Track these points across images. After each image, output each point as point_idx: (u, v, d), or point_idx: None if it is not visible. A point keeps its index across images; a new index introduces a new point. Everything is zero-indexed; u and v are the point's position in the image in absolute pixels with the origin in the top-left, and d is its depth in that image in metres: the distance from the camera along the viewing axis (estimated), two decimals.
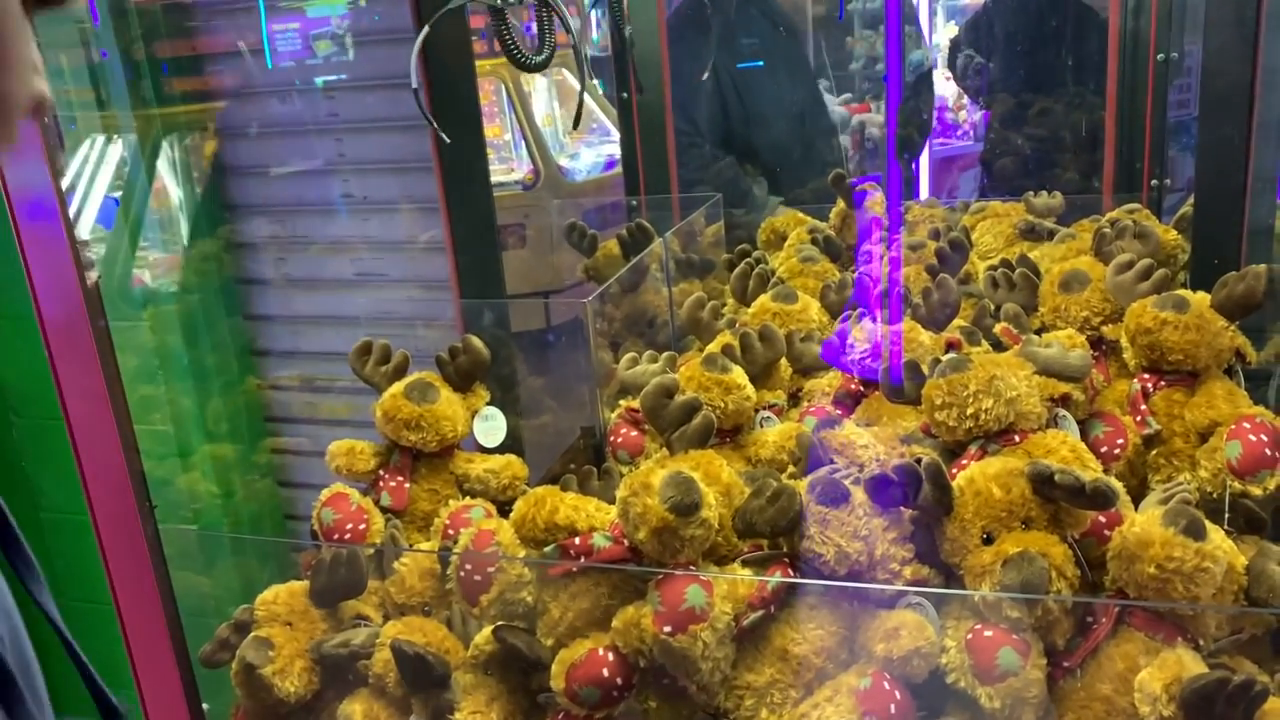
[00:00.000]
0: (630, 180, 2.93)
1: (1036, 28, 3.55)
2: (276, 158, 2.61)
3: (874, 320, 1.91)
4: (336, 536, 1.63)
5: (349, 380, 1.94)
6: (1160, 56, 2.54)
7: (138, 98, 2.70)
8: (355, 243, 2.53)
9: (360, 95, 2.48)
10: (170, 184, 2.87)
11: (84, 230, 2.59)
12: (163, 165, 2.83)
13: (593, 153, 4.58)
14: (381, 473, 1.78)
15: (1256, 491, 1.43)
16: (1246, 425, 1.47)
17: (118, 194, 2.87)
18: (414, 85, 1.76)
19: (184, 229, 2.86)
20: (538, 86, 4.56)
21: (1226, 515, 1.41)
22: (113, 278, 2.54)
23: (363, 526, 1.65)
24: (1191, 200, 2.05)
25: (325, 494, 1.68)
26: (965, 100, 5.10)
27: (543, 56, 1.84)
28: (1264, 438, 1.45)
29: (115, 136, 2.84)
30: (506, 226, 3.65)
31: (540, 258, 3.62)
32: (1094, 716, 1.22)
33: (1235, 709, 1.09)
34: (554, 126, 4.67)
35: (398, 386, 1.77)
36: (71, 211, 1.36)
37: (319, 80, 2.53)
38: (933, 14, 5.52)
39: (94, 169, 2.86)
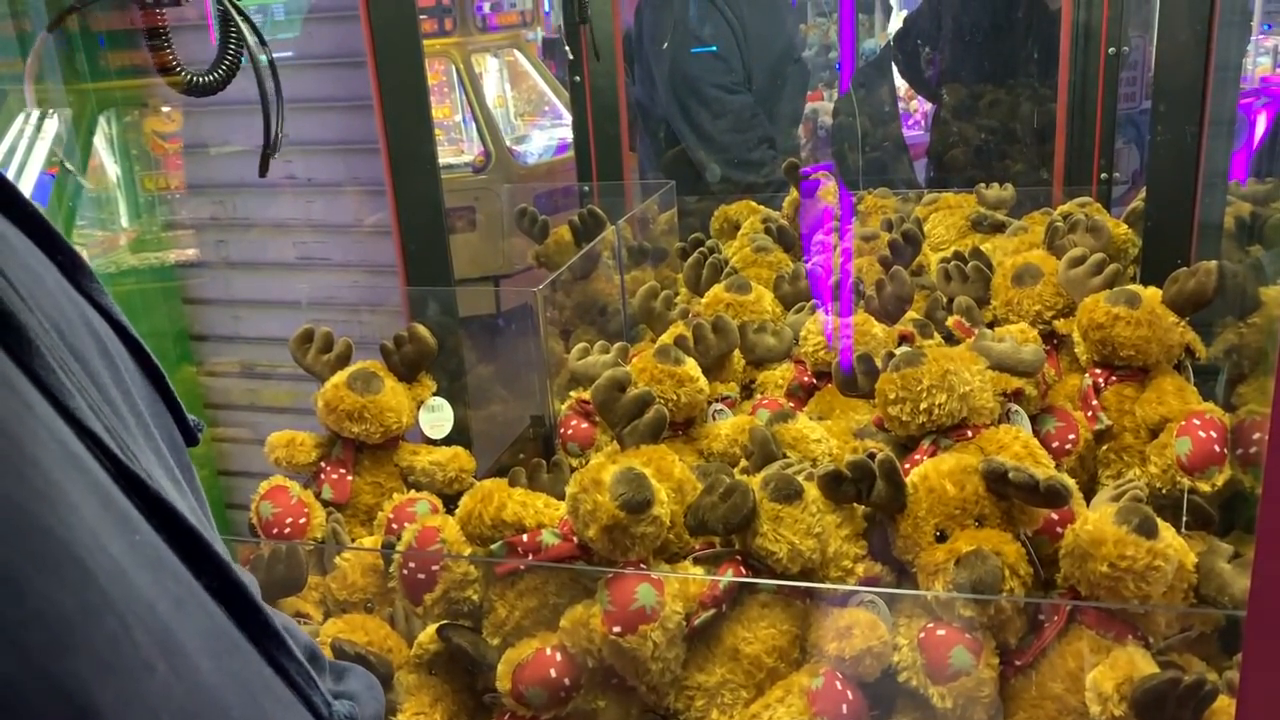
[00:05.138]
0: (582, 165, 2.89)
1: (980, 18, 3.55)
2: (217, 136, 2.54)
3: (826, 312, 1.89)
4: (276, 531, 1.58)
5: (290, 366, 1.88)
6: (1111, 50, 2.55)
7: (72, 71, 2.60)
8: (298, 225, 2.46)
9: (305, 73, 2.41)
10: (107, 161, 2.78)
11: None
12: (99, 142, 2.74)
13: (544, 136, 4.53)
14: (323, 464, 1.73)
15: (1205, 488, 1.44)
16: (1196, 422, 1.47)
17: (54, 171, 2.77)
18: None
19: (121, 208, 2.77)
20: (489, 67, 4.49)
21: (1183, 515, 1.42)
22: None
23: (303, 520, 1.60)
24: (1142, 194, 2.06)
25: (264, 486, 1.63)
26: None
27: (217, 75, 1.49)
28: (1213, 434, 1.46)
29: (51, 111, 2.74)
30: (455, 210, 3.59)
31: (490, 242, 3.57)
32: (1045, 715, 1.22)
33: (1186, 709, 1.09)
34: (505, 108, 4.61)
35: (340, 376, 1.72)
36: None
37: (263, 57, 2.45)
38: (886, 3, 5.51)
39: (29, 144, 2.75)
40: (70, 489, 0.38)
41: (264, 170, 1.52)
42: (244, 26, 1.47)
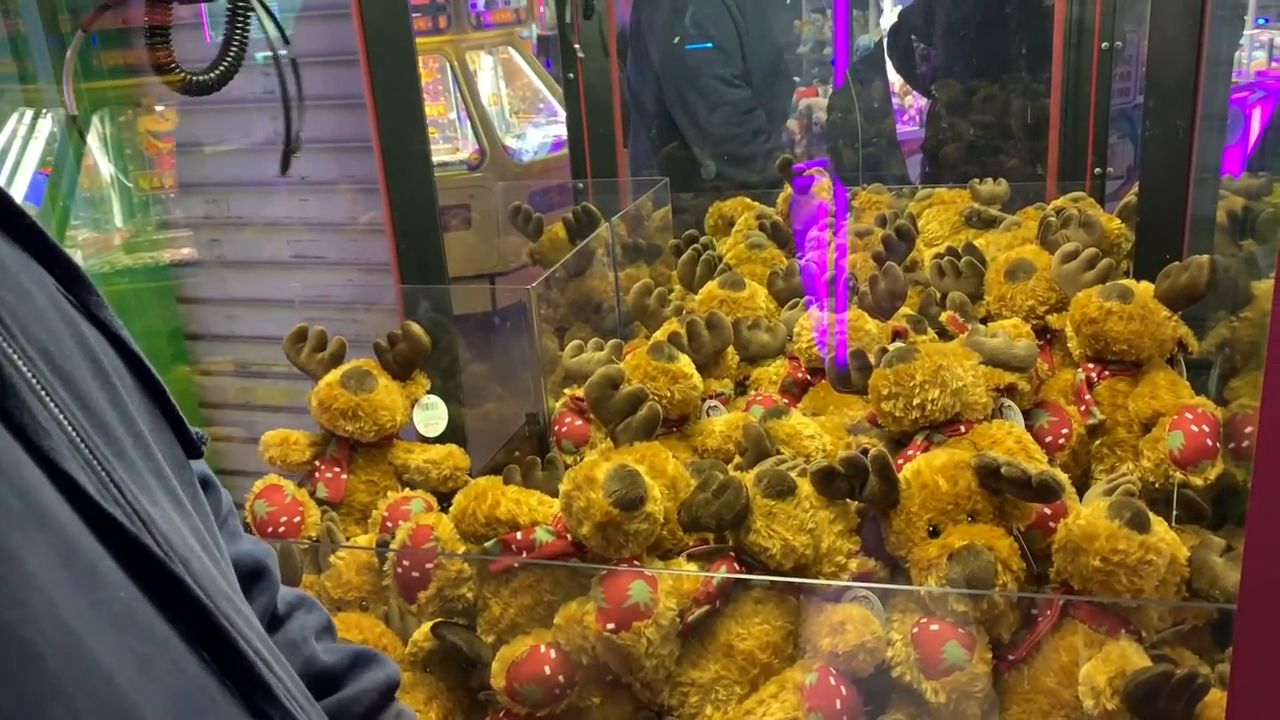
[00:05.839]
0: (576, 162, 2.88)
1: (974, 13, 3.54)
2: (212, 135, 2.53)
3: (820, 308, 1.90)
4: (270, 530, 1.58)
5: (284, 365, 1.88)
6: (1105, 45, 2.55)
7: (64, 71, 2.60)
8: (292, 224, 2.46)
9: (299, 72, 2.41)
10: (101, 161, 2.77)
11: None
12: (93, 141, 2.73)
13: (539, 133, 4.52)
14: (317, 463, 1.73)
15: (1198, 481, 1.44)
16: (1189, 416, 1.48)
17: (47, 170, 2.77)
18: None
19: (115, 207, 2.76)
20: (484, 65, 4.48)
21: (1175, 509, 1.42)
22: None
23: (297, 519, 1.60)
24: (1135, 189, 2.06)
25: (258, 485, 1.63)
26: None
27: (216, 73, 1.39)
28: (1205, 428, 1.46)
29: (44, 111, 2.74)
30: (450, 208, 3.59)
31: (485, 240, 3.57)
32: (1038, 709, 1.22)
33: (1178, 702, 1.09)
34: (500, 106, 4.60)
35: (334, 374, 1.72)
36: None
37: (257, 56, 2.45)
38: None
39: (22, 144, 2.75)
40: (27, 555, 0.37)
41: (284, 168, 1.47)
42: (267, 22, 1.42)
